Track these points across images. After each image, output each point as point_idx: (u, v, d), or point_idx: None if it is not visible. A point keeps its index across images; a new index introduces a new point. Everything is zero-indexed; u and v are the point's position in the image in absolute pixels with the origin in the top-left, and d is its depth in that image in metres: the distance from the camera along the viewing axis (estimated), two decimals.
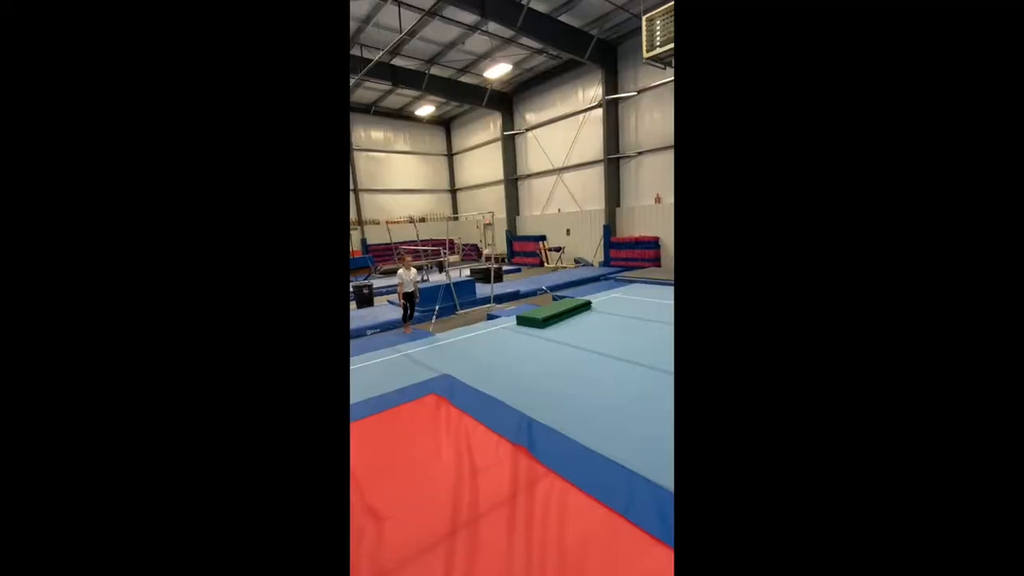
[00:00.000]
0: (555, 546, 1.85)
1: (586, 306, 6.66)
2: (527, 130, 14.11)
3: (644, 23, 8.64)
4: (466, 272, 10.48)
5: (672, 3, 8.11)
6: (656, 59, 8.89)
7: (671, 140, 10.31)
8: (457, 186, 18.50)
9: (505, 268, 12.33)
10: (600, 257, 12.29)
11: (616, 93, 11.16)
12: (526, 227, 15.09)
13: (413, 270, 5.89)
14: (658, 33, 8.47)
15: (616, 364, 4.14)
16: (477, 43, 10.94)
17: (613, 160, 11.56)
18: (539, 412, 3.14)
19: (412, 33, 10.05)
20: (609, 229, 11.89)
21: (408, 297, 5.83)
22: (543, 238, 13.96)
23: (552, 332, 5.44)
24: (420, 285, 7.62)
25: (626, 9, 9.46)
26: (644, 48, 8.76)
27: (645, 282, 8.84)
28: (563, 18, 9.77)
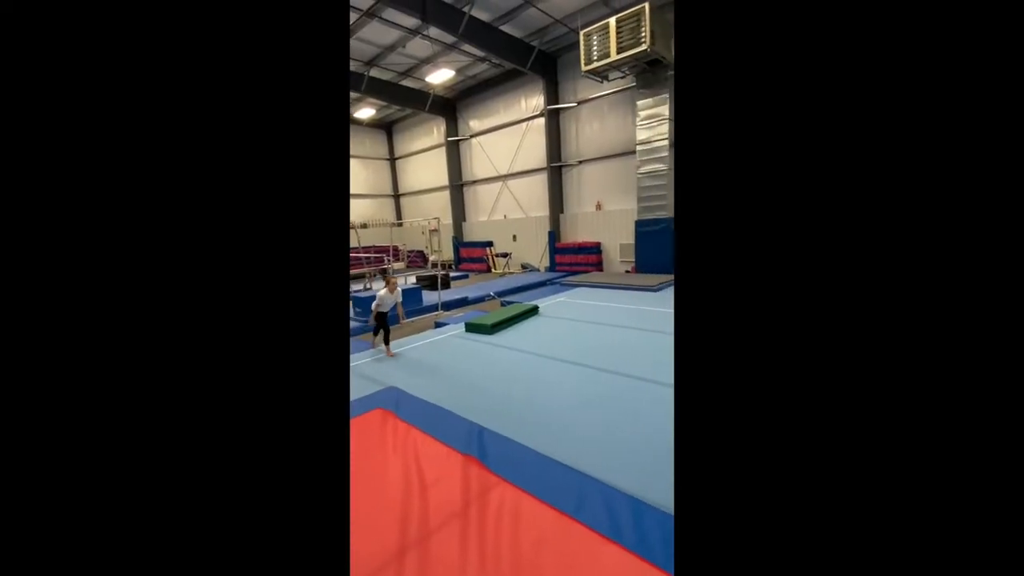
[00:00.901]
0: (509, 554, 1.83)
1: (534, 311, 6.75)
2: (471, 136, 14.12)
3: (582, 38, 9.02)
4: (412, 279, 10.22)
5: (607, 21, 8.55)
6: (594, 72, 9.31)
7: (609, 150, 10.82)
8: (401, 191, 18.05)
9: (452, 274, 12.19)
10: (546, 262, 12.55)
11: (557, 103, 11.52)
12: (473, 233, 15.05)
13: (399, 290, 5.23)
14: (595, 48, 8.89)
15: (565, 367, 4.23)
16: (419, 47, 10.80)
17: (556, 168, 11.90)
18: (490, 419, 3.11)
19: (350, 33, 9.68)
20: (554, 235, 12.18)
21: (380, 318, 5.12)
22: (490, 244, 13.99)
23: (501, 338, 5.44)
24: (361, 294, 7.29)
25: (565, 23, 9.82)
26: (582, 62, 9.14)
27: (589, 286, 9.15)
28: (505, 28, 9.93)
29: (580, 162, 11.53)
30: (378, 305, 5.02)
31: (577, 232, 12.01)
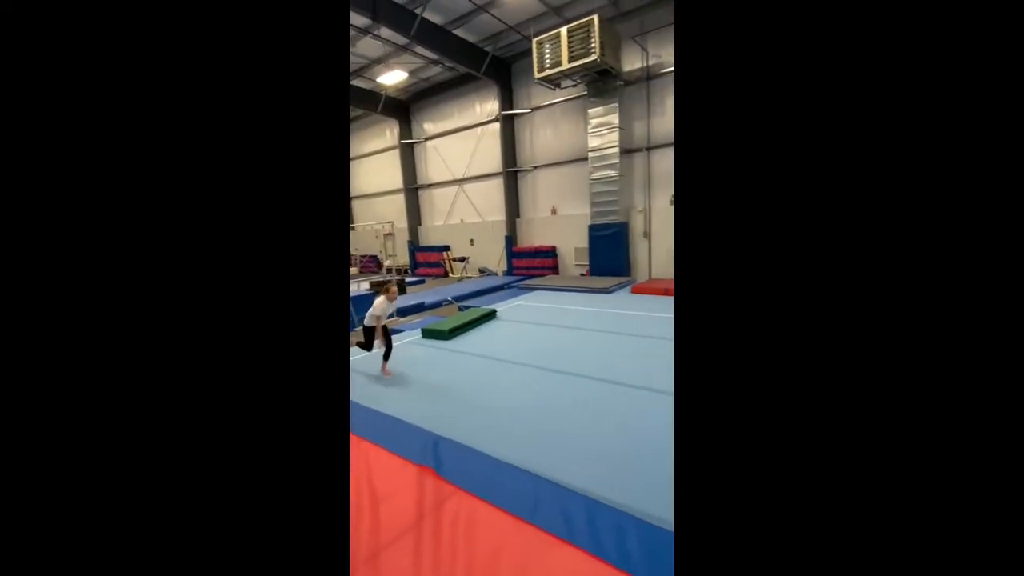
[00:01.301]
0: (464, 565, 1.80)
1: (491, 315, 6.74)
2: (426, 139, 13.93)
3: (535, 46, 9.17)
4: (365, 285, 9.88)
5: (558, 30, 8.76)
6: (547, 80, 9.49)
7: (562, 156, 11.06)
8: (353, 194, 17.43)
9: (408, 279, 11.92)
10: (503, 266, 12.59)
11: (512, 109, 11.63)
12: (429, 237, 14.82)
13: (397, 301, 4.37)
14: (547, 56, 9.06)
15: (522, 370, 4.25)
16: (370, 47, 10.51)
17: (511, 173, 11.99)
18: (447, 427, 3.06)
19: None
20: (511, 239, 12.26)
21: (371, 333, 4.28)
22: (447, 248, 13.84)
23: (458, 343, 5.38)
24: None
25: (518, 31, 9.95)
26: (535, 69, 9.30)
27: (546, 289, 9.28)
28: (458, 32, 9.90)
29: (535, 167, 11.69)
30: (377, 317, 4.20)
31: (533, 236, 12.15)
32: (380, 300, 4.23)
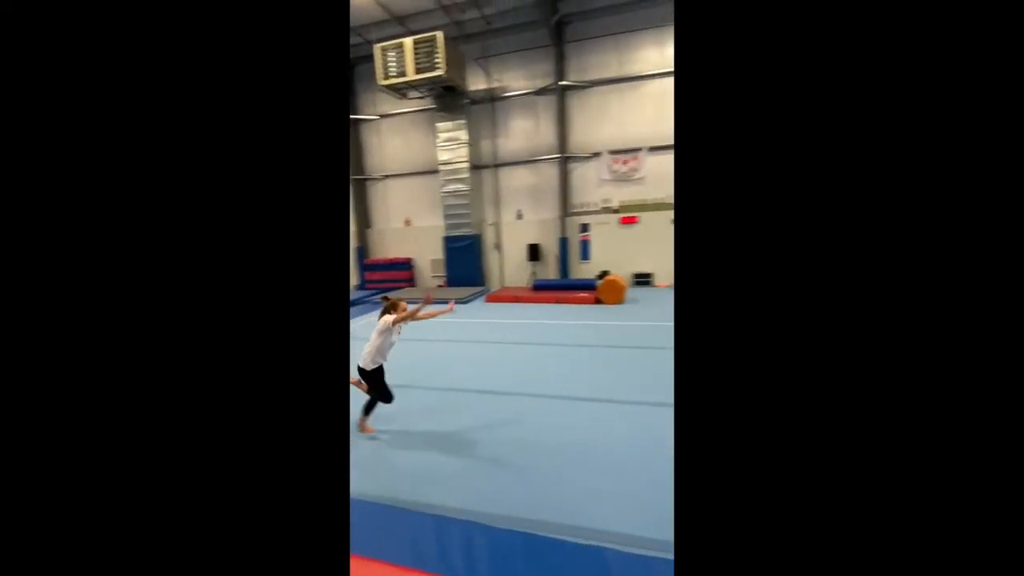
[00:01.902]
0: None
1: None
2: None
3: (378, 52, 8.86)
4: None
5: (402, 40, 8.66)
6: (392, 88, 9.26)
7: (414, 167, 10.92)
8: None
9: None
10: (355, 280, 11.72)
11: (357, 114, 10.99)
12: None
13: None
14: (392, 64, 8.85)
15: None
16: None
17: (359, 180, 11.30)
18: None
19: None
20: (362, 250, 11.50)
21: (375, 377, 3.03)
22: None
23: None
24: None
25: (359, 33, 9.48)
26: (379, 75, 8.98)
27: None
28: None
29: (385, 176, 11.26)
30: (378, 351, 2.94)
31: (388, 248, 11.64)
32: (389, 319, 2.94)
